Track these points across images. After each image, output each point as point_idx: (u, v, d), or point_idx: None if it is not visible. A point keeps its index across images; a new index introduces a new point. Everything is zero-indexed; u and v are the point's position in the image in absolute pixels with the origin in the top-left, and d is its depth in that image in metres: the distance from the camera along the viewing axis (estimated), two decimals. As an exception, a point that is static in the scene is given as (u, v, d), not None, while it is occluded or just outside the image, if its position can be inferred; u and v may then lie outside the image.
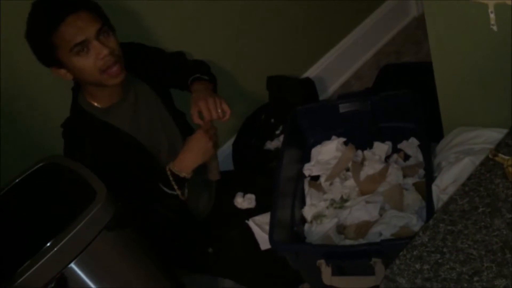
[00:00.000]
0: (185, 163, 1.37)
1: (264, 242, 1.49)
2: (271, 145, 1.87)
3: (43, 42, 1.23)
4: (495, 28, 1.12)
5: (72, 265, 1.19)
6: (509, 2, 1.07)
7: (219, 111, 1.39)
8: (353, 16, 2.29)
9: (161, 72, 1.53)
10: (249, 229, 1.53)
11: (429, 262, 0.80)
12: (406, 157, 1.63)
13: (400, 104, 1.61)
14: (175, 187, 1.36)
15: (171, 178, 1.35)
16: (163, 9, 1.71)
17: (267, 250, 1.48)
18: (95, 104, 1.37)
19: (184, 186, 1.39)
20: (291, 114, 1.67)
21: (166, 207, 1.41)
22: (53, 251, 1.15)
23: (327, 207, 1.55)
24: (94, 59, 1.25)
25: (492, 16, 1.11)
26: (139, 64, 1.43)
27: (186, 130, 1.57)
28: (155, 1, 1.68)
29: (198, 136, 1.37)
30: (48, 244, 1.16)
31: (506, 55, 1.15)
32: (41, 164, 1.34)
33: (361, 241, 1.42)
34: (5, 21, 1.40)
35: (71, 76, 1.29)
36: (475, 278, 0.77)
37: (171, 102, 1.55)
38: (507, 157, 0.88)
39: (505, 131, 1.06)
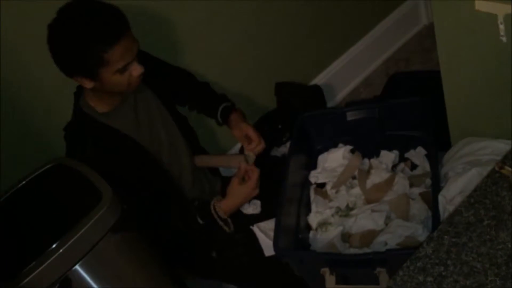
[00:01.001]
0: (230, 208, 1.44)
1: (268, 248, 1.48)
2: (278, 151, 1.87)
3: (93, 57, 1.23)
4: (504, 39, 1.12)
5: (77, 267, 1.19)
6: (519, 13, 1.07)
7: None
8: (363, 23, 2.29)
9: (165, 82, 1.55)
10: (253, 235, 1.52)
11: (432, 274, 0.80)
12: (413, 166, 1.62)
13: (408, 112, 1.60)
14: (221, 223, 1.43)
15: (215, 216, 1.42)
16: (172, 14, 1.72)
17: (271, 256, 1.47)
18: (97, 108, 1.37)
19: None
20: (298, 120, 1.67)
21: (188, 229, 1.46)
22: (58, 252, 1.15)
23: (333, 215, 1.54)
24: (129, 75, 1.30)
25: (501, 27, 1.11)
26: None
27: (188, 132, 1.59)
28: (163, 6, 1.69)
29: (251, 187, 1.43)
30: (54, 246, 1.16)
31: (515, 66, 1.14)
32: (48, 166, 1.34)
33: (366, 250, 1.41)
34: (8, 22, 1.41)
35: (92, 85, 1.29)
36: (479, 292, 0.76)
37: (171, 104, 1.56)
38: (513, 170, 0.88)
39: (513, 142, 1.05)
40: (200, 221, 1.42)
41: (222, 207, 1.42)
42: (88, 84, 1.29)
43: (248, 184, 1.43)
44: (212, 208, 1.42)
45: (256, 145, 1.51)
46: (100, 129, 1.36)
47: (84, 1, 1.26)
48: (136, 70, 1.30)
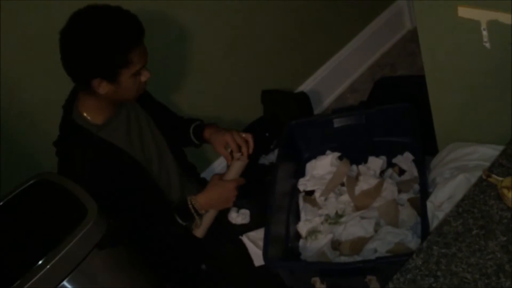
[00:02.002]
0: (206, 203, 1.45)
1: (258, 258, 1.47)
2: (266, 159, 1.86)
3: (119, 57, 1.26)
4: (487, 45, 1.12)
5: (65, 283, 1.17)
6: (501, 20, 1.07)
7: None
8: (347, 29, 2.29)
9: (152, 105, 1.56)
10: (243, 245, 1.51)
11: (422, 286, 0.79)
12: (401, 171, 1.62)
13: (395, 118, 1.60)
14: (197, 217, 1.44)
15: (192, 211, 1.43)
16: (157, 24, 1.71)
17: (261, 266, 1.46)
18: (92, 120, 1.37)
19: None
20: (286, 128, 1.66)
21: (170, 233, 1.46)
22: (45, 269, 1.14)
23: (322, 223, 1.53)
24: (140, 81, 1.33)
25: (484, 33, 1.11)
26: None
27: (175, 147, 1.59)
28: (150, 15, 1.68)
29: (230, 187, 1.46)
30: (40, 262, 1.14)
31: (499, 71, 1.15)
32: (32, 181, 1.32)
33: (356, 257, 1.41)
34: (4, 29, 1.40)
35: (107, 89, 1.30)
36: (469, 303, 0.76)
37: (160, 121, 1.56)
38: (500, 178, 0.88)
39: (500, 147, 1.06)
40: (180, 221, 1.42)
41: (198, 200, 1.44)
42: (104, 89, 1.30)
43: (227, 182, 1.46)
44: (188, 202, 1.44)
45: (243, 149, 1.51)
46: (96, 142, 1.36)
47: (98, 6, 1.28)
48: (146, 75, 1.34)
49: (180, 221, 1.43)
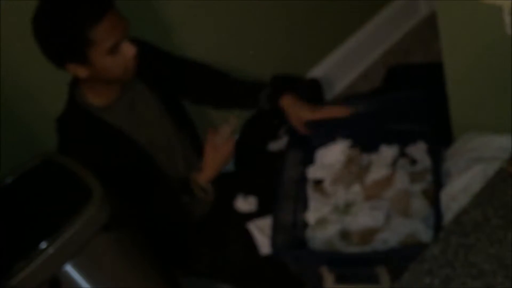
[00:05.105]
0: (210, 176, 1.42)
1: (264, 246, 1.45)
2: (274, 146, 1.83)
3: (78, 37, 1.19)
4: (510, 32, 1.08)
5: (67, 267, 1.16)
6: (526, 5, 1.03)
7: None
8: (361, 13, 2.25)
9: (168, 77, 1.51)
10: (249, 232, 1.49)
11: (439, 276, 0.77)
12: (414, 161, 1.59)
13: (408, 106, 1.56)
14: (202, 195, 1.41)
15: (200, 187, 1.40)
16: (163, 7, 1.68)
17: (263, 255, 1.44)
18: (94, 101, 1.34)
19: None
20: (296, 115, 1.63)
21: (171, 213, 1.43)
22: (48, 252, 1.12)
23: (331, 212, 1.51)
24: (124, 58, 1.25)
25: (508, 18, 1.07)
26: (144, 64, 1.39)
27: (188, 128, 1.55)
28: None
29: (227, 151, 1.42)
30: (43, 244, 1.13)
31: (521, 59, 1.11)
32: (36, 162, 1.31)
33: (366, 248, 1.38)
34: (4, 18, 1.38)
35: (87, 73, 1.25)
36: (488, 295, 0.73)
37: (170, 100, 1.52)
38: (523, 168, 0.84)
39: (518, 137, 1.02)
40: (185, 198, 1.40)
41: (202, 177, 1.41)
42: (83, 72, 1.25)
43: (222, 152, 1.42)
44: (191, 183, 1.40)
45: None
46: (94, 123, 1.33)
47: None
48: (129, 50, 1.25)
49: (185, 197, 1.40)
